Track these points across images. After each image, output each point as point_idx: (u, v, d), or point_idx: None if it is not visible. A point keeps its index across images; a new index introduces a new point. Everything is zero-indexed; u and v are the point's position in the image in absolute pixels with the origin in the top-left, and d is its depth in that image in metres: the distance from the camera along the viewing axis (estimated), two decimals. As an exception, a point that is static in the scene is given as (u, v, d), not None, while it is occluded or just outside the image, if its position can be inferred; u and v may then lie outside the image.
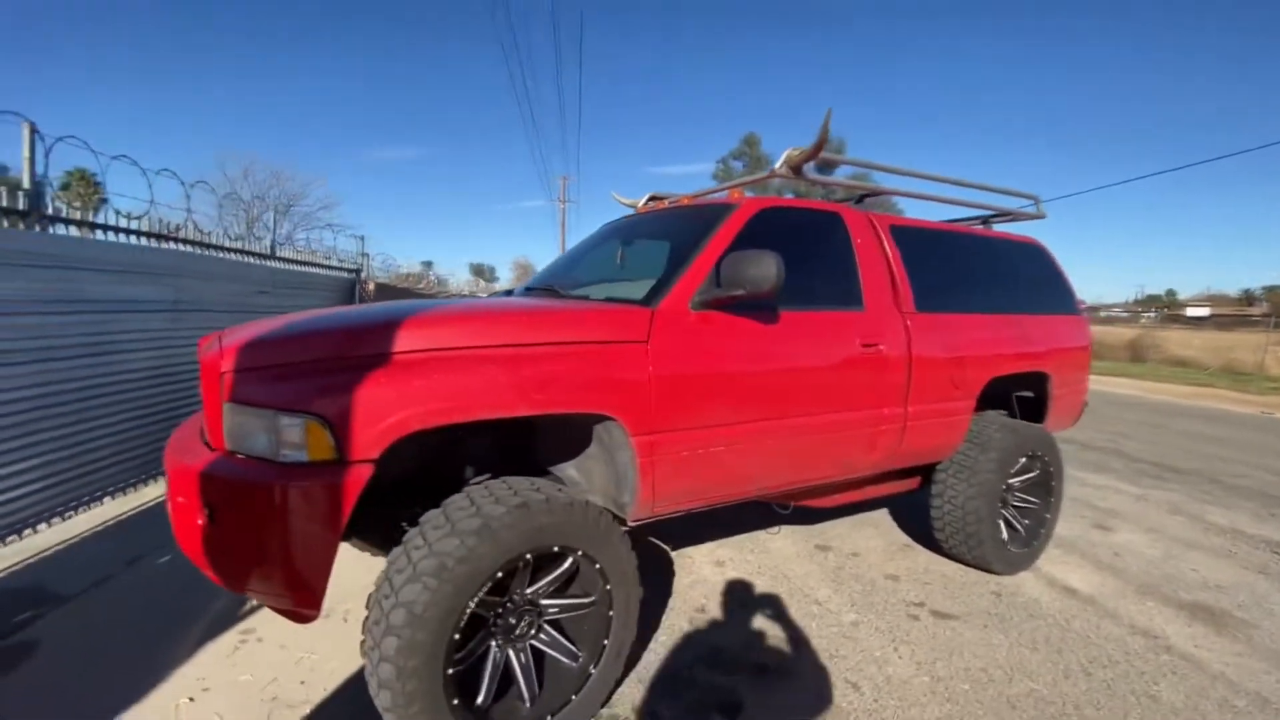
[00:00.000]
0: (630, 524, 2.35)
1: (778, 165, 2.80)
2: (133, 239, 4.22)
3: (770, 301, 2.46)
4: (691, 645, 2.67)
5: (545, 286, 3.05)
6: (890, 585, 3.30)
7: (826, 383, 2.67)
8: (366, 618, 1.82)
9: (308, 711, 2.22)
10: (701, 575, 3.34)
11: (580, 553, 2.02)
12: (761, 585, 3.24)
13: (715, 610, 2.97)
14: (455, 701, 1.78)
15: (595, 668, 2.11)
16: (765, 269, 2.18)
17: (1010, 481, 3.47)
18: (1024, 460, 3.47)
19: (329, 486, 1.68)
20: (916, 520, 4.16)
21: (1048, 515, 3.62)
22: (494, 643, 1.97)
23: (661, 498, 2.28)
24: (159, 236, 4.36)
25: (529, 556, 1.91)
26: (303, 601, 1.73)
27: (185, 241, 4.58)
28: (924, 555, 3.71)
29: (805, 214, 2.90)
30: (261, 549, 1.70)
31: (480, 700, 1.90)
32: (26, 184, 3.25)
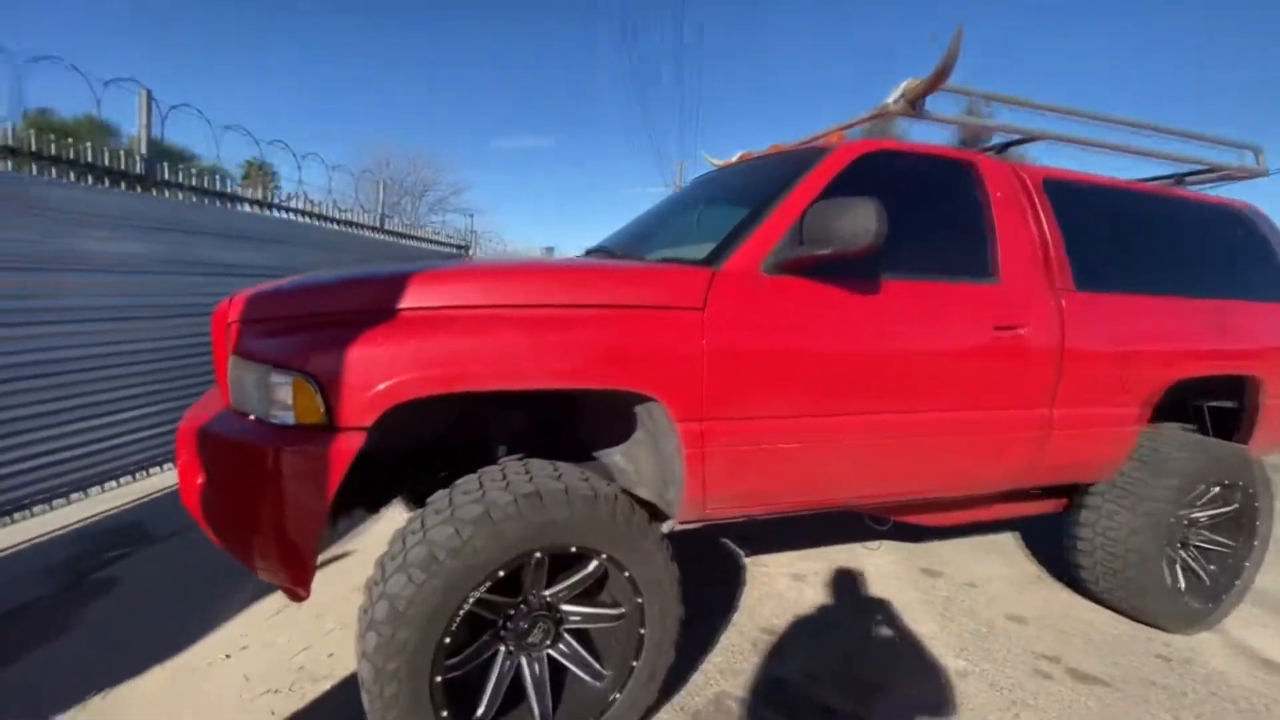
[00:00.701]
0: (679, 525, 1.99)
1: (891, 99, 2.26)
2: (246, 207, 4.46)
3: (867, 264, 1.96)
4: (749, 674, 2.27)
5: (601, 249, 2.73)
6: (1014, 629, 2.67)
7: (940, 372, 2.12)
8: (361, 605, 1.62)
9: (328, 687, 2.11)
10: (776, 589, 2.91)
11: (605, 556, 1.70)
12: (847, 610, 2.75)
13: (785, 634, 2.53)
14: (445, 714, 1.53)
15: (621, 692, 1.78)
16: (860, 220, 1.71)
17: (1193, 515, 2.68)
18: (1214, 490, 2.66)
19: (313, 454, 1.48)
20: (1057, 547, 3.41)
21: (1245, 563, 2.77)
22: (503, 648, 1.70)
23: (715, 497, 1.89)
24: (264, 204, 4.58)
25: (538, 555, 1.61)
26: (291, 576, 1.56)
27: (294, 210, 4.79)
28: (1063, 595, 3.00)
29: (924, 161, 2.33)
30: (248, 514, 1.55)
31: (480, 713, 1.64)
32: (143, 149, 3.43)
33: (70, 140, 3.35)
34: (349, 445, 1.50)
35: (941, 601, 2.87)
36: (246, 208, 4.46)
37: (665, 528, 1.95)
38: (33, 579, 2.73)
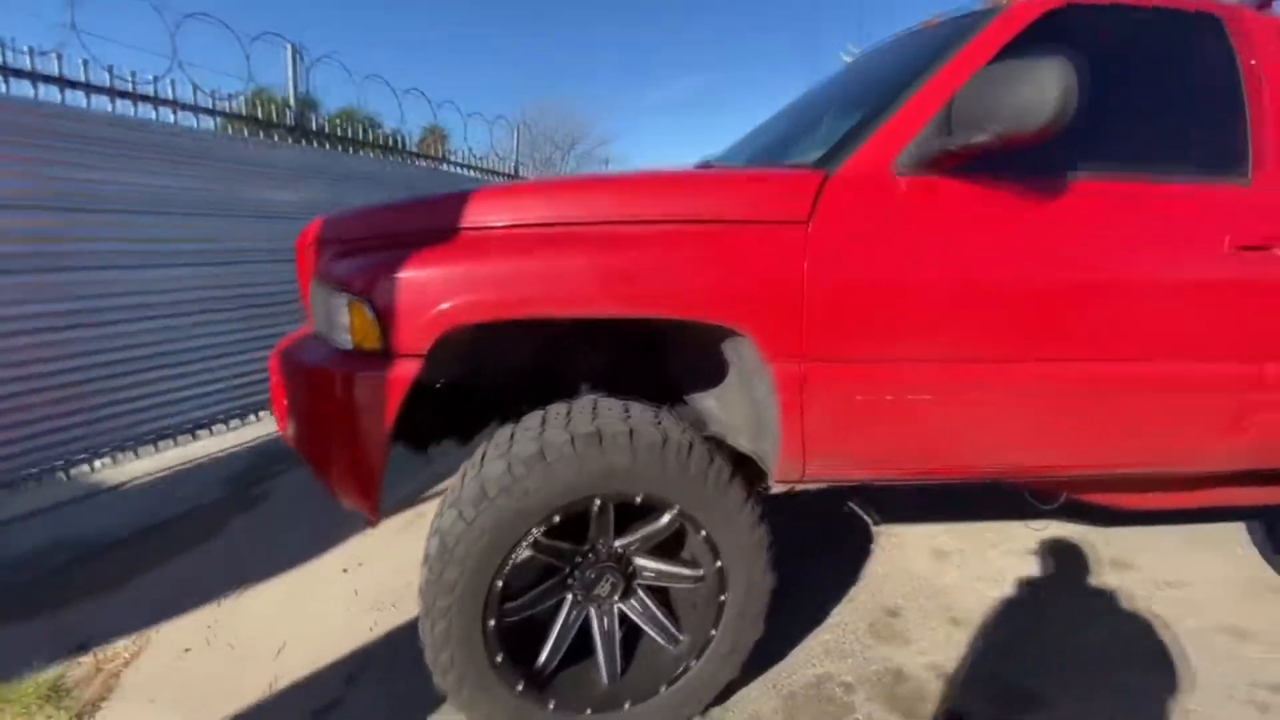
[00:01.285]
0: (776, 486, 1.71)
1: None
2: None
3: (1047, 156, 1.47)
4: (860, 658, 1.95)
5: (705, 163, 2.40)
6: (1230, 646, 2.05)
7: (1148, 307, 1.58)
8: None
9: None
10: (908, 566, 2.51)
11: (677, 510, 1.48)
12: (995, 599, 2.29)
13: (913, 619, 2.16)
14: (499, 659, 1.44)
15: (697, 660, 1.59)
16: (1038, 86, 1.25)
17: None
18: None
19: (368, 381, 1.41)
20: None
21: None
22: (569, 597, 1.57)
23: (817, 457, 1.58)
24: (413, 155, 4.83)
25: (599, 502, 1.43)
26: (356, 500, 1.54)
27: (429, 158, 5.00)
28: (1316, 614, 2.26)
29: (1141, 16, 1.70)
30: (317, 438, 1.54)
31: (541, 661, 1.54)
32: (291, 101, 3.68)
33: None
34: (404, 373, 1.40)
35: (1128, 601, 2.29)
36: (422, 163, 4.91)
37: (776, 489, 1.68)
38: (207, 488, 3.15)
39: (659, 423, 1.49)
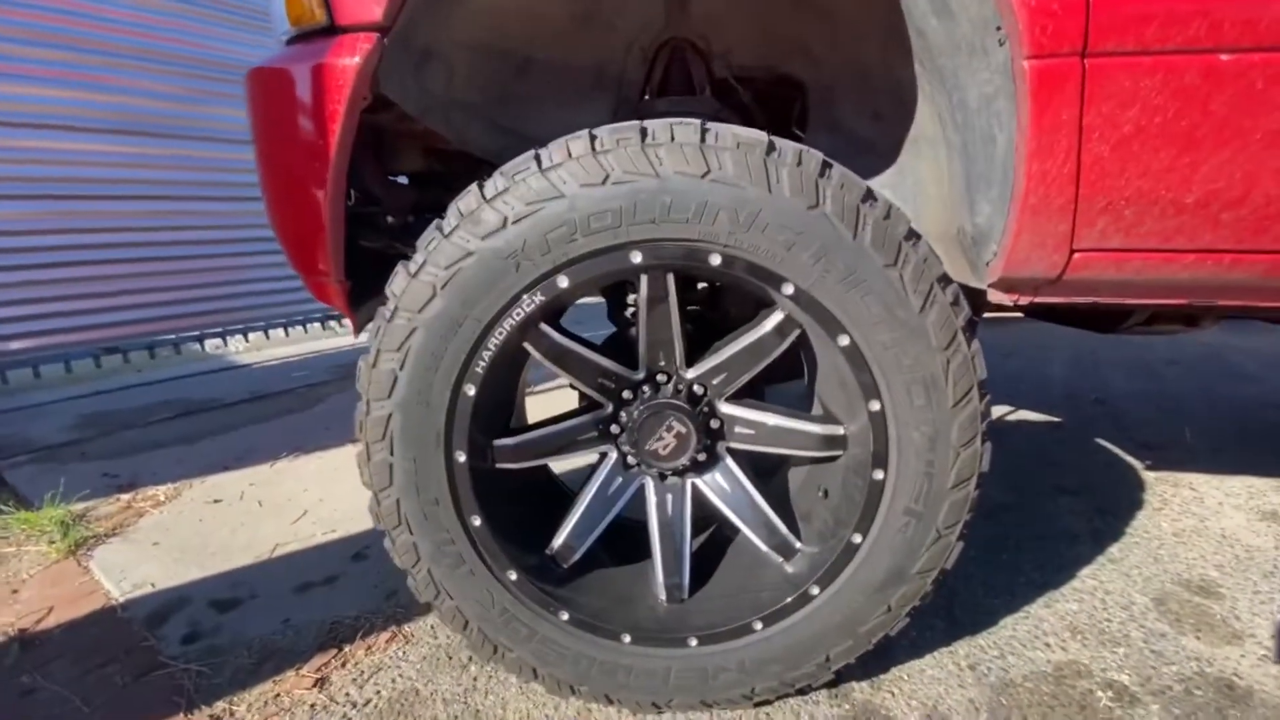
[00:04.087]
0: (998, 295, 0.94)
1: None
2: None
3: None
4: (1148, 652, 1.08)
5: None
6: None
7: None
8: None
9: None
10: (1214, 526, 1.51)
11: (790, 293, 0.77)
12: None
13: (1243, 603, 1.21)
14: (476, 521, 0.87)
15: (823, 586, 0.88)
16: None
17: None
18: None
19: (299, 74, 0.90)
20: None
21: None
22: (613, 453, 0.95)
23: (1109, 213, 0.76)
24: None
25: (638, 259, 0.78)
26: (315, 281, 1.06)
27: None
28: None
29: None
30: (263, 171, 1.07)
31: (557, 545, 0.94)
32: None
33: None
34: (351, 56, 0.87)
35: None
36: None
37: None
38: (320, 372, 3.04)
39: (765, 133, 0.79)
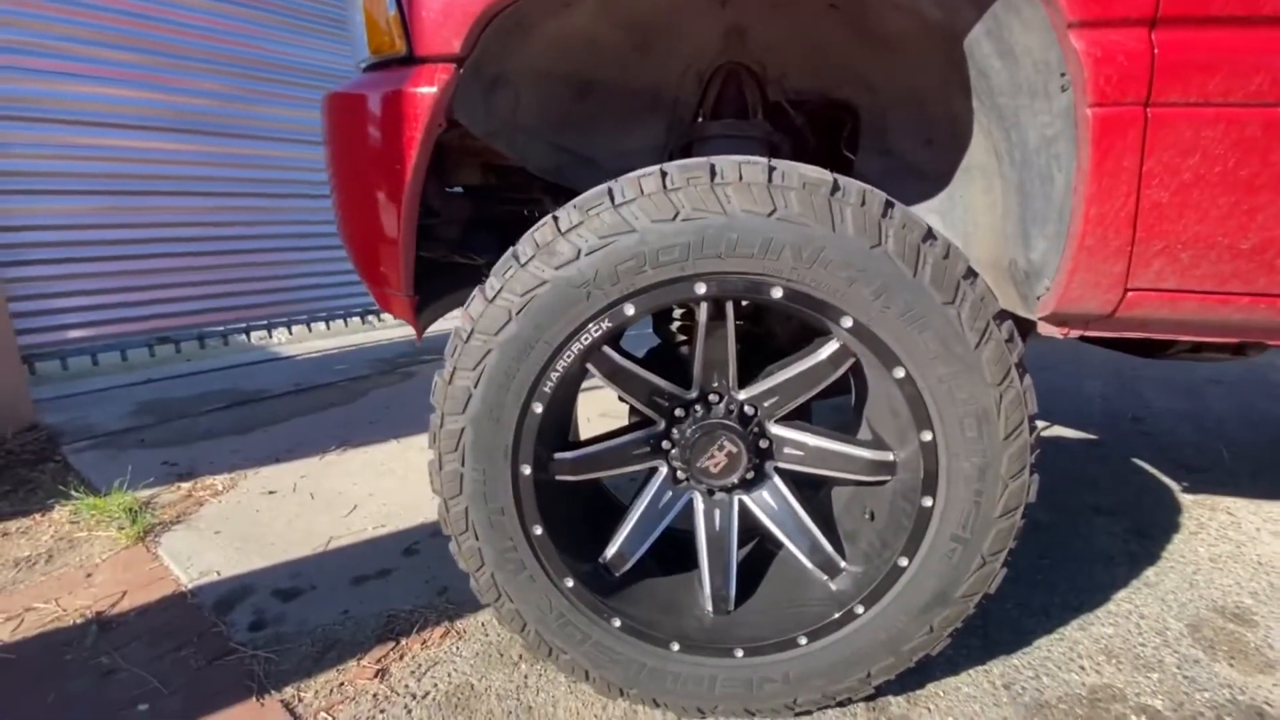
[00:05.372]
0: (1049, 328, 0.96)
1: None
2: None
3: None
4: (1182, 678, 1.10)
5: None
6: None
7: None
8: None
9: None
10: (1252, 552, 1.50)
11: (852, 324, 0.81)
12: None
13: (1277, 632, 1.22)
14: (538, 530, 0.92)
15: (868, 606, 0.91)
16: None
17: None
18: None
19: (379, 100, 0.96)
20: None
21: None
22: (663, 468, 0.99)
23: (1164, 255, 0.79)
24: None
25: (703, 289, 0.82)
26: (384, 288, 1.12)
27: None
28: None
29: None
30: (338, 194, 1.13)
31: (611, 554, 0.99)
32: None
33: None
34: (427, 87, 0.92)
35: None
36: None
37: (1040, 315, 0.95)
38: (360, 365, 3.13)
39: (830, 172, 0.82)
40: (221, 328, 3.09)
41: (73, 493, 1.71)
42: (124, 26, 2.66)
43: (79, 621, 1.25)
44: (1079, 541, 1.53)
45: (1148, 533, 1.59)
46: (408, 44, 0.94)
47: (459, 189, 1.44)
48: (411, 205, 1.00)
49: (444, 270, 1.37)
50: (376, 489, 1.80)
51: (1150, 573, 1.42)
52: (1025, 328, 1.06)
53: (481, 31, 0.91)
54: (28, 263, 2.49)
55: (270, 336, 3.31)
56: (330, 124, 1.07)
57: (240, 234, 3.09)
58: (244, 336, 3.21)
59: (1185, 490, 1.83)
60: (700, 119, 1.26)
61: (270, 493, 1.79)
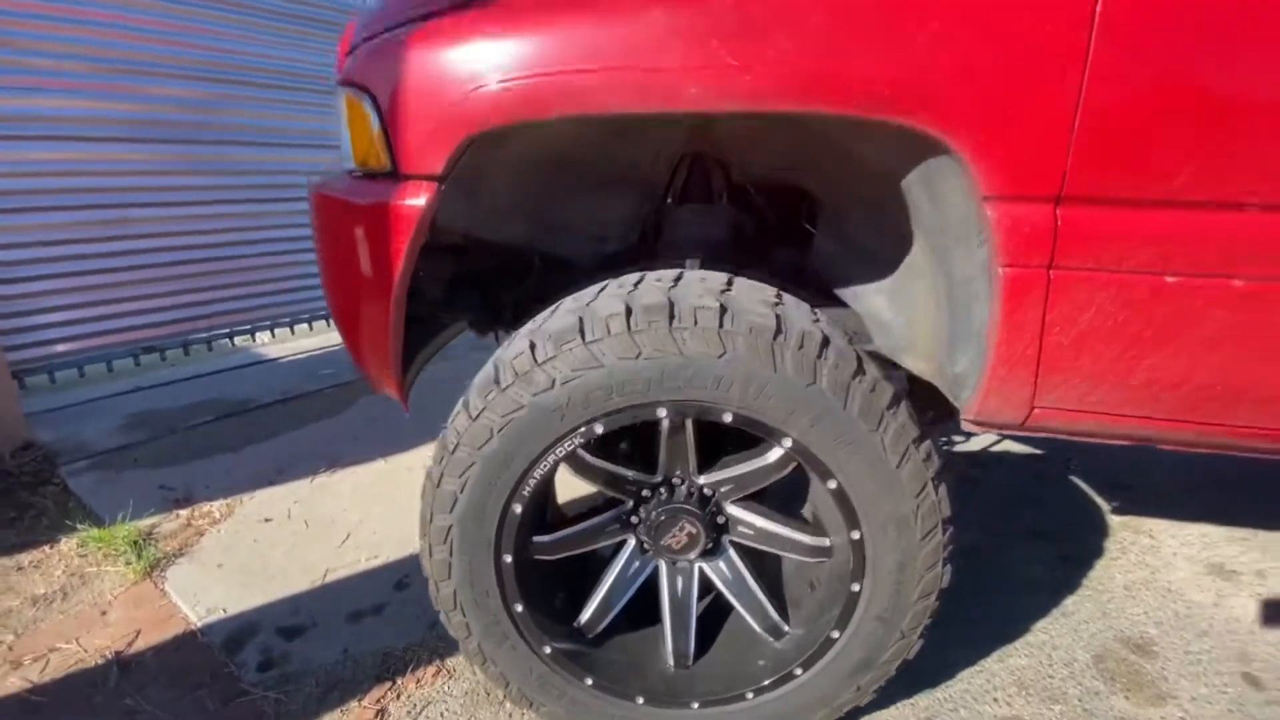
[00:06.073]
0: (970, 427, 1.07)
1: None
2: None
3: None
4: (1082, 709, 1.27)
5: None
6: None
7: None
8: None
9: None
10: (1165, 580, 1.68)
11: (791, 444, 0.92)
12: (1337, 661, 1.41)
13: (1173, 663, 1.40)
14: (518, 608, 1.04)
15: (805, 668, 1.06)
16: None
17: None
18: None
19: (364, 212, 1.03)
20: None
21: None
22: (632, 540, 1.11)
23: (1060, 385, 0.91)
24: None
25: (665, 414, 0.93)
26: (374, 376, 1.22)
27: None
28: None
29: None
30: (329, 289, 1.22)
31: (584, 620, 1.12)
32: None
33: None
34: (411, 202, 0.99)
35: None
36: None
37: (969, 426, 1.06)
38: (345, 369, 3.20)
39: (776, 303, 0.93)
40: (206, 334, 3.13)
41: (77, 525, 1.80)
42: (88, 37, 2.60)
43: (100, 663, 1.37)
44: (1008, 568, 1.69)
45: (1074, 557, 1.76)
46: (393, 162, 1.01)
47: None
48: (400, 304, 1.08)
49: (417, 321, 1.46)
50: (366, 515, 1.91)
51: (1069, 601, 1.59)
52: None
53: (463, 153, 0.98)
54: (11, 280, 2.51)
55: (254, 340, 3.35)
56: (320, 224, 1.14)
57: (220, 240, 3.10)
58: (228, 342, 3.25)
59: (1114, 511, 2.00)
60: (670, 200, 1.34)
61: (266, 520, 1.89)
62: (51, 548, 1.76)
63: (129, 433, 2.46)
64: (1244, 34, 0.72)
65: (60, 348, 2.69)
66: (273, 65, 3.16)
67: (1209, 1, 0.72)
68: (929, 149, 0.83)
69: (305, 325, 3.56)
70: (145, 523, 1.85)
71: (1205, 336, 0.83)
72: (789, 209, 1.36)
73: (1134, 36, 0.72)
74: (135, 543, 1.73)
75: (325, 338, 3.60)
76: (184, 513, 1.92)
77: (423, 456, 2.27)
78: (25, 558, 1.73)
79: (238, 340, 3.30)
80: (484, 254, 1.53)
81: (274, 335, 3.45)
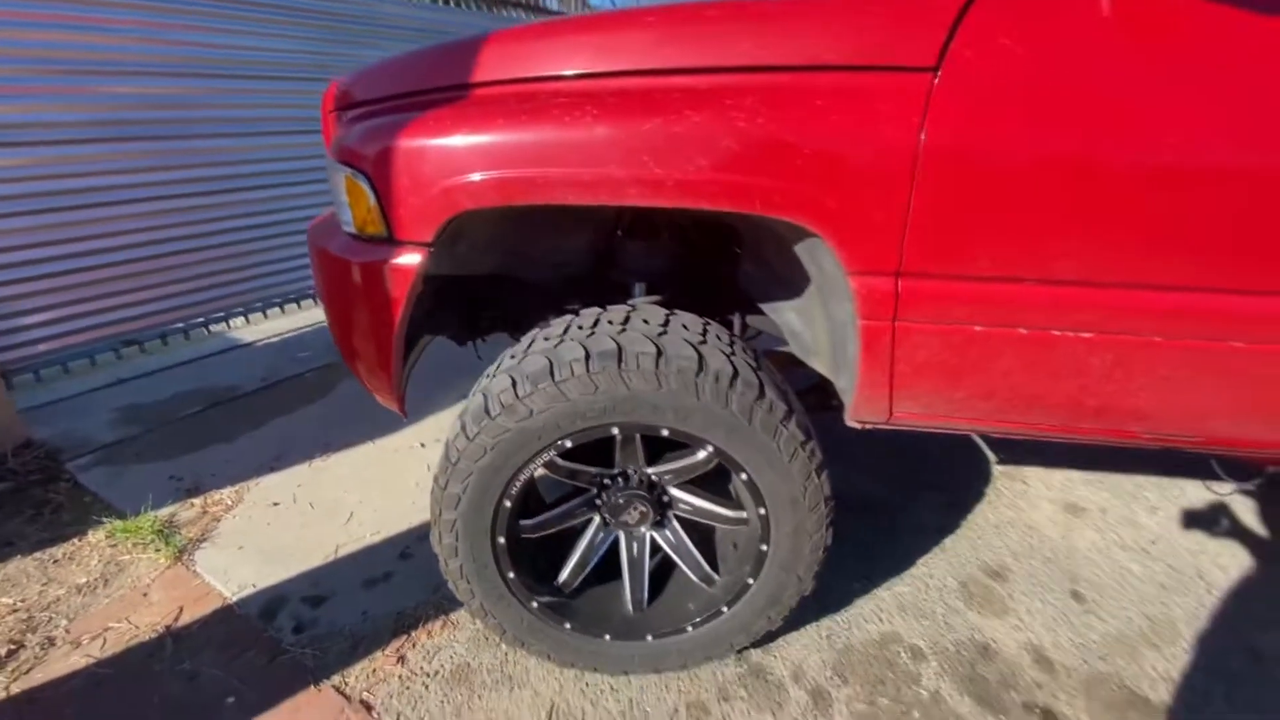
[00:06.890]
0: (853, 423, 1.39)
1: None
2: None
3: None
4: (939, 623, 1.67)
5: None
6: None
7: None
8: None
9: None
10: (1029, 519, 2.10)
11: (712, 450, 1.23)
12: (1139, 576, 1.85)
13: (1019, 585, 1.81)
14: (510, 575, 1.35)
15: (730, 607, 1.41)
16: None
17: None
18: None
19: (369, 270, 1.26)
20: None
21: None
22: (596, 518, 1.43)
23: (908, 400, 1.23)
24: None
25: (616, 431, 1.23)
26: (378, 394, 1.47)
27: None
28: None
29: None
30: (333, 324, 1.45)
31: (561, 580, 1.44)
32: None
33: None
34: (408, 264, 1.23)
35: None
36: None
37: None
38: (321, 350, 3.38)
39: (701, 341, 1.21)
40: (182, 324, 3.25)
41: (101, 518, 2.02)
42: (50, 40, 2.60)
43: (153, 636, 1.64)
44: (904, 515, 2.08)
45: (959, 503, 2.16)
46: (388, 230, 1.24)
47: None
48: (400, 344, 1.33)
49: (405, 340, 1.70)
50: (365, 496, 2.18)
51: (949, 540, 1.99)
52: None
53: (449, 225, 1.21)
54: (-8, 285, 2.60)
55: (228, 325, 3.48)
56: (326, 279, 1.37)
57: (192, 232, 3.18)
58: (204, 330, 3.37)
59: (1000, 461, 2.41)
60: (620, 231, 1.59)
61: (274, 504, 2.14)
62: (80, 540, 1.98)
63: (123, 426, 2.63)
64: (1009, 180, 1.01)
65: (43, 346, 2.80)
66: (233, 56, 3.17)
67: (991, 150, 1.00)
68: (810, 234, 1.11)
69: (277, 309, 3.68)
70: (164, 512, 2.08)
71: (1002, 368, 1.16)
72: (721, 238, 1.62)
73: (944, 172, 1.01)
74: (160, 531, 1.97)
75: (296, 319, 3.74)
76: (197, 501, 2.15)
77: (405, 439, 2.53)
78: (57, 551, 1.95)
79: (213, 327, 3.42)
80: (461, 283, 1.76)
81: (248, 320, 3.57)
